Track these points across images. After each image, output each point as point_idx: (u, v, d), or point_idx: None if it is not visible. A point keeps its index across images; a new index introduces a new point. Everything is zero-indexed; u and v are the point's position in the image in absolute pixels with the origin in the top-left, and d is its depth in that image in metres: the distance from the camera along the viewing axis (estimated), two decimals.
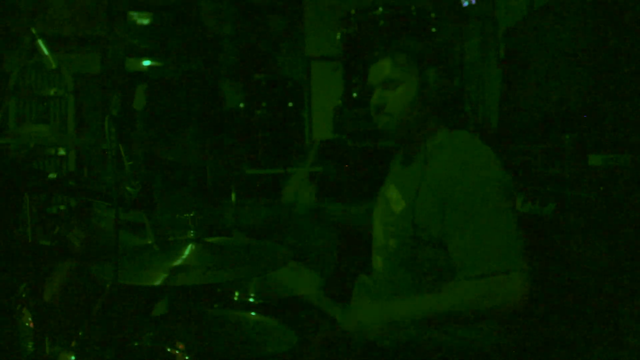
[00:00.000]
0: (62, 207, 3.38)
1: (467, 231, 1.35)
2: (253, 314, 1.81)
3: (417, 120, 1.53)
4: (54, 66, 1.50)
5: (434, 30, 3.14)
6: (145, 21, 4.33)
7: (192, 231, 1.38)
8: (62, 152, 3.46)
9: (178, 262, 1.29)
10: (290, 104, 4.39)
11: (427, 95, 1.50)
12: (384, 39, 3.05)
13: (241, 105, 4.46)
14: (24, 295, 1.44)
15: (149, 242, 1.36)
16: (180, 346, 1.46)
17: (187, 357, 1.44)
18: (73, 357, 1.40)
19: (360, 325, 1.39)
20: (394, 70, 1.53)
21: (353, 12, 3.18)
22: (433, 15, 3.16)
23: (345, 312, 1.43)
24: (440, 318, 1.36)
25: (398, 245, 1.48)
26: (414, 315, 1.36)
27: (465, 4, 3.67)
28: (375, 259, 1.63)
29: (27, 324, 1.48)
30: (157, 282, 1.21)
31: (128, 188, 1.22)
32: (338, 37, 3.28)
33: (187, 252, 1.34)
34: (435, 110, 1.53)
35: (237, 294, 1.95)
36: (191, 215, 1.38)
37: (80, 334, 1.43)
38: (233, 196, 2.59)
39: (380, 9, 3.07)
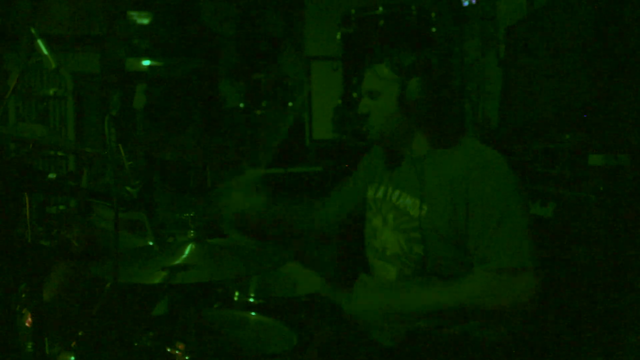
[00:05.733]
0: (62, 207, 3.37)
1: (488, 228, 1.37)
2: (253, 314, 1.80)
3: (398, 132, 1.53)
4: (53, 66, 1.49)
5: (434, 30, 3.14)
6: (145, 21, 4.32)
7: (191, 231, 1.38)
8: (61, 152, 3.45)
9: (177, 261, 1.29)
10: (290, 104, 4.39)
11: (407, 107, 1.48)
12: (383, 39, 3.05)
13: (241, 105, 4.45)
14: (24, 295, 1.44)
15: (149, 242, 1.36)
16: (180, 346, 1.46)
17: (187, 357, 1.44)
18: (73, 357, 1.40)
19: (365, 311, 1.38)
20: (374, 82, 1.52)
21: (353, 12, 3.17)
22: (433, 15, 3.15)
23: (350, 298, 1.43)
24: (446, 312, 1.38)
25: (424, 250, 1.47)
26: (421, 307, 1.38)
27: (465, 3, 3.67)
28: (385, 268, 1.58)
29: (27, 324, 1.48)
30: (156, 281, 1.21)
31: (128, 188, 1.22)
32: (338, 37, 3.28)
33: (187, 252, 1.34)
34: (419, 123, 1.51)
35: (237, 294, 1.95)
36: (191, 215, 1.39)
37: (80, 334, 1.43)
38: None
39: (381, 8, 3.06)
